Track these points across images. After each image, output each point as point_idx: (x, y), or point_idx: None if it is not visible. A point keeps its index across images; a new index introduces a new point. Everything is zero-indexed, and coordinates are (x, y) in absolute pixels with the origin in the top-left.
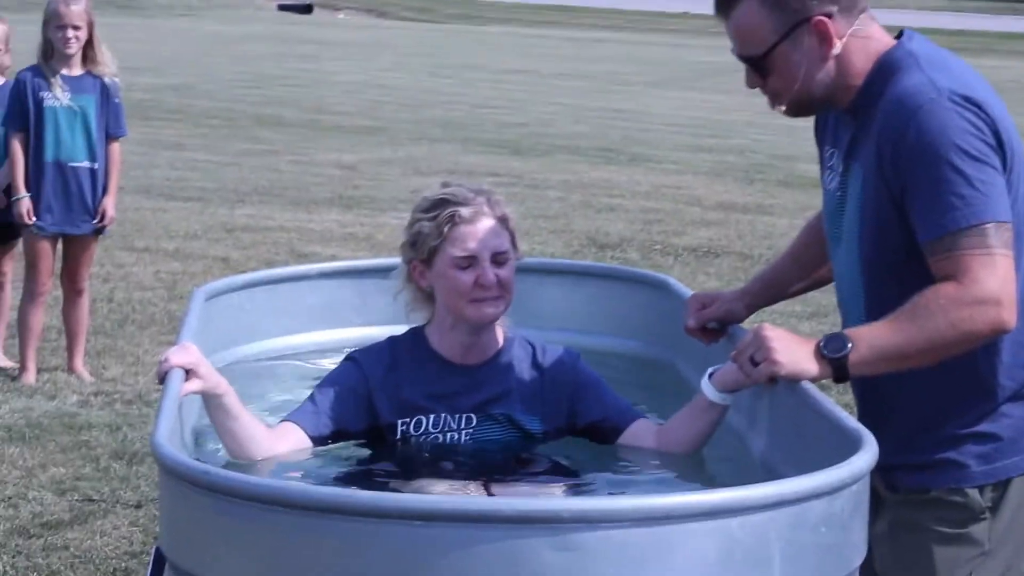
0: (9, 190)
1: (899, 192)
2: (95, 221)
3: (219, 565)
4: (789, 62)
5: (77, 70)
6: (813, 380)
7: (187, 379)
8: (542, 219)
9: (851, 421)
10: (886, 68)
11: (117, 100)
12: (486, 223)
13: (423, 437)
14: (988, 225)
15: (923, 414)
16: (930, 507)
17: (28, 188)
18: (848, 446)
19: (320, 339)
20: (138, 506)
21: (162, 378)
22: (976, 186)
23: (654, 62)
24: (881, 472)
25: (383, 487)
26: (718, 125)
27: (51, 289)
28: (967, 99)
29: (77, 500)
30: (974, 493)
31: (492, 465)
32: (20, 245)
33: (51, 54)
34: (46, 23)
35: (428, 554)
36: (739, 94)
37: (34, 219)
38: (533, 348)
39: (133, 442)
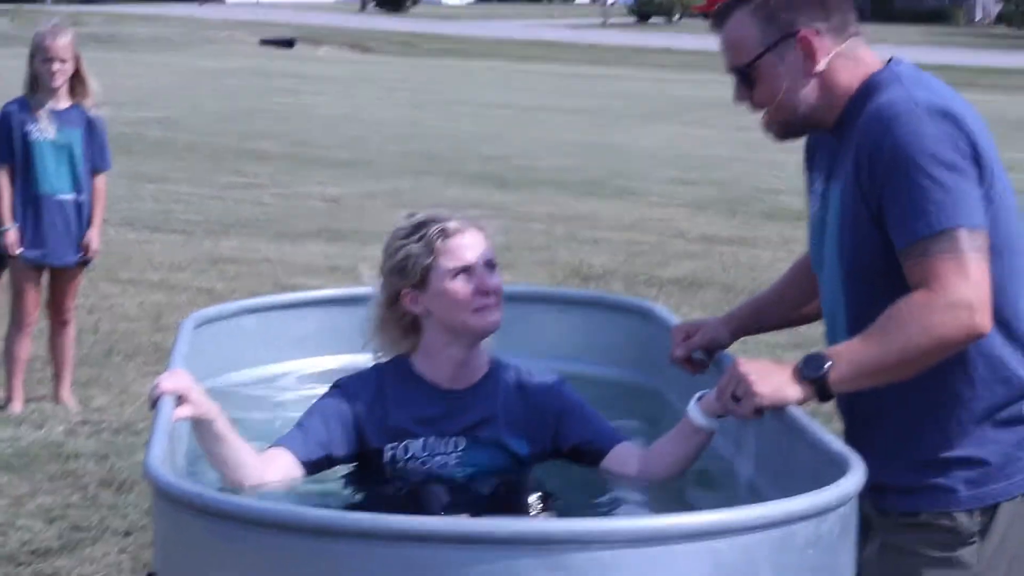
0: None
1: (876, 203)
2: (80, 254)
3: None
4: (773, 74)
5: (63, 103)
6: (799, 404)
7: (178, 405)
8: (526, 251)
9: (838, 444)
10: (871, 87)
11: (102, 133)
12: (472, 233)
13: (411, 462)
14: (959, 230)
15: (905, 430)
16: (919, 531)
17: (14, 220)
18: (835, 469)
19: (309, 366)
20: (127, 534)
21: (154, 403)
22: (948, 193)
23: (637, 96)
24: (871, 494)
25: (373, 512)
26: (701, 158)
27: (37, 320)
28: (944, 111)
29: (66, 528)
30: (963, 517)
31: (480, 488)
32: (5, 276)
33: (37, 87)
34: (32, 56)
35: (420, 575)
36: (722, 128)
37: (20, 250)
38: (518, 372)
39: (121, 471)
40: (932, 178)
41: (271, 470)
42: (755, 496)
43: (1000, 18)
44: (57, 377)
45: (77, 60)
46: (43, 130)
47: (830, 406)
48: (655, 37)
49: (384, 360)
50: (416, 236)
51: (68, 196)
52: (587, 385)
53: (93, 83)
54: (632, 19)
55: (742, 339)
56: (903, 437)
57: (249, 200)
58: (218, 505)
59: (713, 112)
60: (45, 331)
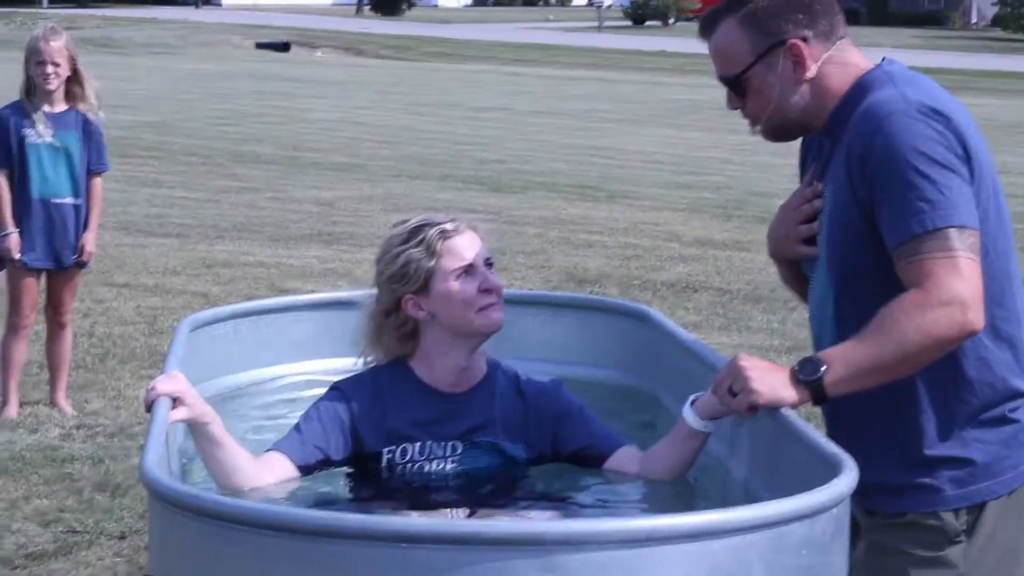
0: None
1: (869, 203)
2: (75, 256)
3: None
4: (764, 83)
5: (60, 106)
6: (793, 406)
7: (174, 407)
8: (521, 255)
9: (831, 446)
10: (862, 87)
11: (99, 135)
12: (469, 233)
13: (409, 465)
14: (951, 229)
15: (891, 432)
16: (906, 530)
17: (13, 224)
18: (828, 470)
19: (305, 369)
20: (122, 537)
21: (149, 406)
22: (941, 191)
23: (631, 100)
24: (857, 496)
25: (369, 514)
26: (695, 162)
27: (34, 323)
28: (935, 111)
29: (61, 531)
30: (949, 517)
31: (477, 492)
32: (2, 280)
33: (32, 91)
34: (27, 60)
35: None
36: (716, 131)
37: (19, 255)
38: (516, 376)
39: (116, 474)
40: (925, 177)
41: (267, 474)
42: (749, 497)
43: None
44: (53, 381)
45: (73, 63)
46: (40, 134)
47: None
48: (650, 40)
49: (382, 363)
50: (415, 240)
51: (67, 200)
52: (584, 389)
53: (94, 85)
54: (627, 22)
55: (735, 341)
56: (889, 438)
57: (244, 204)
58: (214, 507)
59: (708, 115)
60: (41, 335)
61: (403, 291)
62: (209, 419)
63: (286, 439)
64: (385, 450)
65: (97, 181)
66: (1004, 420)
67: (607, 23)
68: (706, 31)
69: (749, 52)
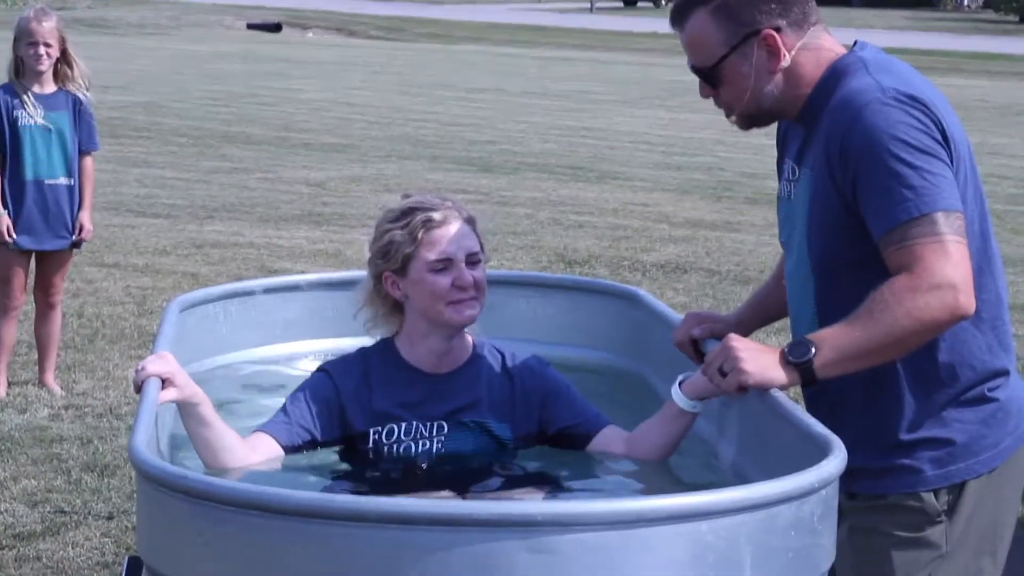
0: None
1: (850, 193)
2: (73, 236)
3: (197, 569)
4: (738, 74)
5: (49, 87)
6: (782, 388)
7: (164, 388)
8: (511, 236)
9: (820, 427)
10: (835, 74)
11: (90, 115)
12: (458, 225)
13: (395, 445)
14: (937, 214)
15: (871, 414)
16: (887, 512)
17: (5, 206)
18: (817, 452)
19: (294, 350)
20: (109, 517)
21: (139, 387)
22: (925, 177)
23: (623, 81)
24: (840, 478)
25: (357, 495)
26: (686, 143)
27: (24, 304)
28: (911, 97)
29: (49, 512)
30: (929, 497)
31: (464, 472)
32: None
33: (22, 71)
34: (17, 40)
35: (404, 557)
36: (707, 112)
37: (12, 238)
38: (503, 355)
39: (104, 455)
40: (907, 164)
41: (254, 455)
42: (738, 478)
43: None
44: (41, 361)
45: (63, 43)
46: (31, 115)
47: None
48: (642, 22)
49: (370, 343)
50: (402, 223)
51: (60, 180)
52: (573, 369)
53: (83, 66)
54: (619, 4)
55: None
56: (869, 421)
57: (234, 185)
58: (202, 487)
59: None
60: (31, 315)
61: (384, 267)
62: (198, 400)
63: (273, 420)
64: (371, 430)
65: (88, 161)
66: (983, 399)
67: (599, 4)
68: (677, 21)
69: (722, 43)
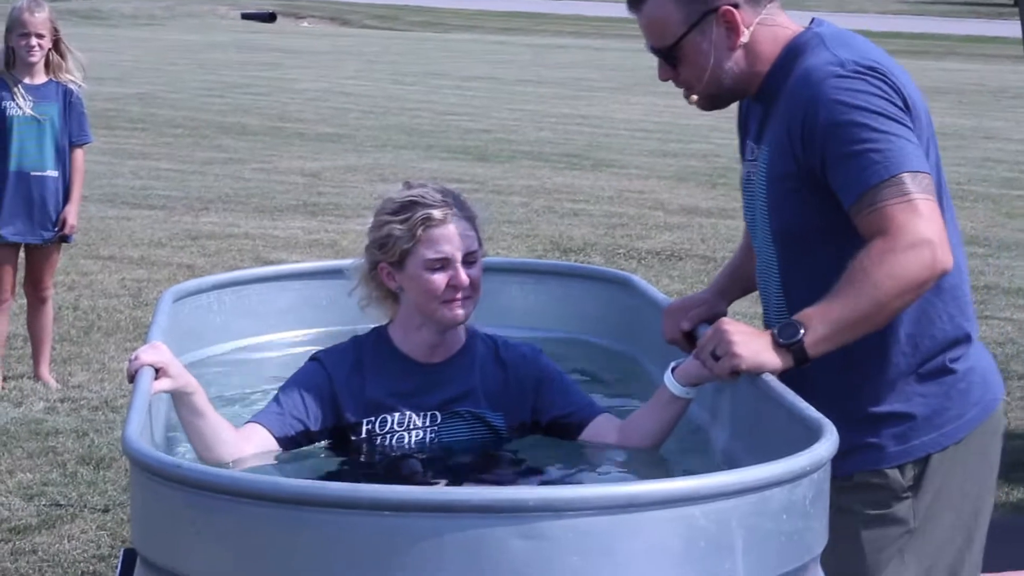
0: None
1: (819, 167)
2: (57, 229)
3: (192, 559)
4: (698, 52)
5: (40, 78)
6: (774, 372)
7: (157, 378)
8: (506, 224)
9: (812, 411)
10: (793, 51)
11: (81, 107)
12: (458, 224)
13: (388, 436)
14: (904, 174)
15: (834, 394)
16: (854, 491)
17: None
18: (809, 435)
19: (287, 339)
20: (105, 510)
21: (132, 376)
22: (890, 141)
23: (618, 68)
24: None
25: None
26: (681, 130)
27: (14, 297)
28: (870, 68)
29: (45, 505)
30: (894, 473)
31: (458, 462)
32: None
33: (13, 62)
34: (8, 31)
35: (398, 544)
36: None
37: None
38: (495, 344)
39: (100, 447)
40: (871, 129)
41: (247, 446)
42: (730, 463)
43: None
44: (36, 355)
45: (56, 34)
46: (20, 106)
47: None
48: None
49: (363, 332)
50: (402, 217)
51: (47, 172)
52: (566, 355)
53: (80, 56)
54: None
55: None
56: (833, 402)
57: (229, 175)
58: (196, 476)
59: None
60: (24, 309)
61: (380, 258)
62: (192, 389)
63: (265, 411)
64: (364, 420)
65: (79, 153)
66: (945, 371)
67: None
68: (636, 4)
69: (681, 22)
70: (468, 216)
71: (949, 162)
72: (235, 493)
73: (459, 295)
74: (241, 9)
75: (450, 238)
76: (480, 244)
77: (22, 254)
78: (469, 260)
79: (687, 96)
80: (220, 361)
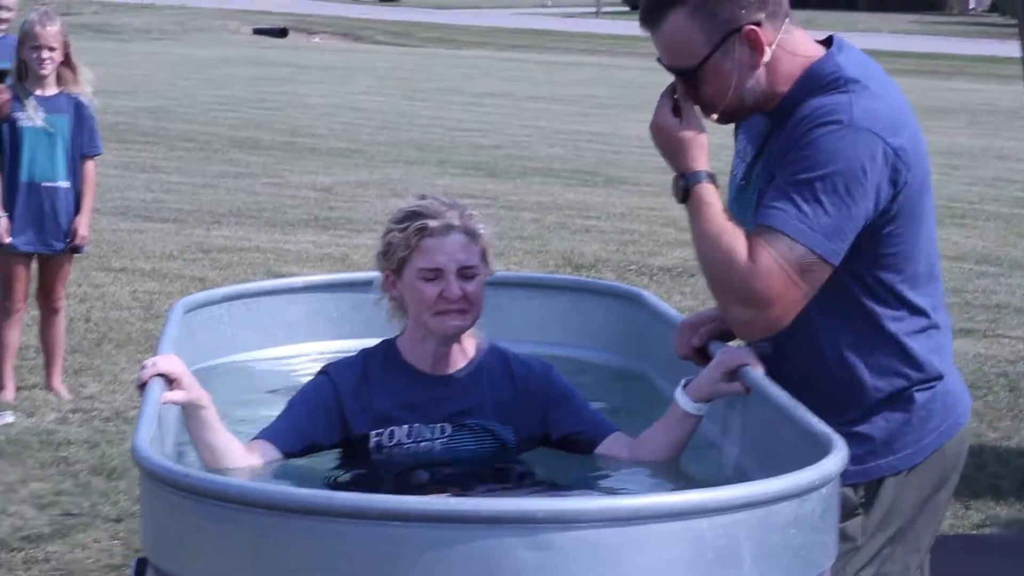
0: None
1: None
2: (68, 240)
3: (202, 567)
4: (721, 72)
5: (51, 90)
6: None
7: (171, 389)
8: (517, 240)
9: (822, 426)
10: (814, 79)
11: (91, 119)
12: (455, 237)
13: (396, 448)
14: (810, 249)
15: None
16: None
17: (4, 208)
18: (818, 450)
19: (298, 352)
20: (118, 520)
21: (142, 384)
22: (832, 213)
23: (629, 85)
24: None
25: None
26: None
27: (26, 308)
28: (872, 132)
29: (57, 514)
30: (848, 491)
31: (466, 475)
32: None
33: (25, 74)
34: (21, 43)
35: (406, 554)
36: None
37: (9, 240)
38: (506, 358)
39: (112, 458)
40: (820, 195)
41: (255, 461)
42: (740, 478)
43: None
44: (48, 366)
45: (66, 47)
46: (31, 117)
47: None
48: None
49: (372, 344)
50: (402, 225)
51: (57, 183)
52: (577, 371)
53: (86, 71)
54: (625, 8)
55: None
56: None
57: (241, 189)
58: (205, 485)
59: None
60: (36, 320)
61: (384, 265)
62: (204, 404)
63: (273, 426)
64: (373, 433)
65: (90, 165)
66: (910, 399)
67: (605, 8)
68: (651, 23)
69: (704, 43)
70: (469, 230)
71: (961, 182)
72: (244, 502)
73: (450, 307)
74: (253, 24)
75: (445, 249)
76: (485, 260)
77: (34, 265)
78: (465, 274)
79: (706, 114)
80: (230, 372)
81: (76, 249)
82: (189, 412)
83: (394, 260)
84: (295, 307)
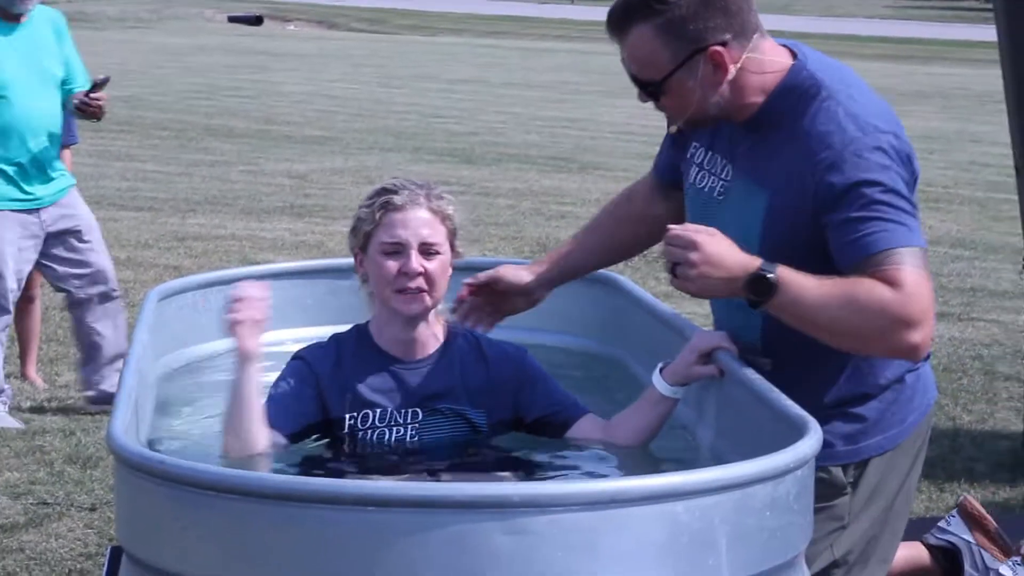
0: None
1: (824, 220)
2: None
3: (176, 554)
4: (684, 89)
5: None
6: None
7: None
8: (493, 226)
9: (796, 409)
10: (793, 93)
11: (68, 109)
12: (418, 213)
13: (370, 431)
14: (916, 248)
15: (799, 386)
16: None
17: None
18: (793, 433)
19: (272, 339)
20: (92, 509)
21: (230, 329)
22: (910, 214)
23: (604, 72)
24: None
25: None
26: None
27: None
28: (882, 132)
29: (32, 503)
30: (837, 471)
31: (440, 458)
32: None
33: None
34: None
35: (383, 539)
36: None
37: None
38: (478, 341)
39: (87, 446)
40: (884, 204)
41: (279, 440)
42: (716, 461)
43: None
44: (23, 354)
45: None
46: None
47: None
48: None
49: (343, 329)
50: (368, 201)
51: None
52: (552, 355)
53: None
54: None
55: (706, 310)
56: (792, 394)
57: (216, 177)
58: (180, 472)
59: None
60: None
61: (353, 243)
62: (260, 363)
63: (270, 412)
64: (347, 416)
65: (66, 154)
66: (900, 380)
67: None
68: (617, 31)
69: (668, 60)
70: (435, 209)
71: (936, 166)
72: (219, 489)
73: (411, 284)
74: (228, 12)
75: (407, 223)
76: (452, 245)
77: None
78: (427, 251)
79: (668, 123)
80: (206, 360)
81: None
82: (245, 367)
83: (360, 236)
84: (270, 294)
